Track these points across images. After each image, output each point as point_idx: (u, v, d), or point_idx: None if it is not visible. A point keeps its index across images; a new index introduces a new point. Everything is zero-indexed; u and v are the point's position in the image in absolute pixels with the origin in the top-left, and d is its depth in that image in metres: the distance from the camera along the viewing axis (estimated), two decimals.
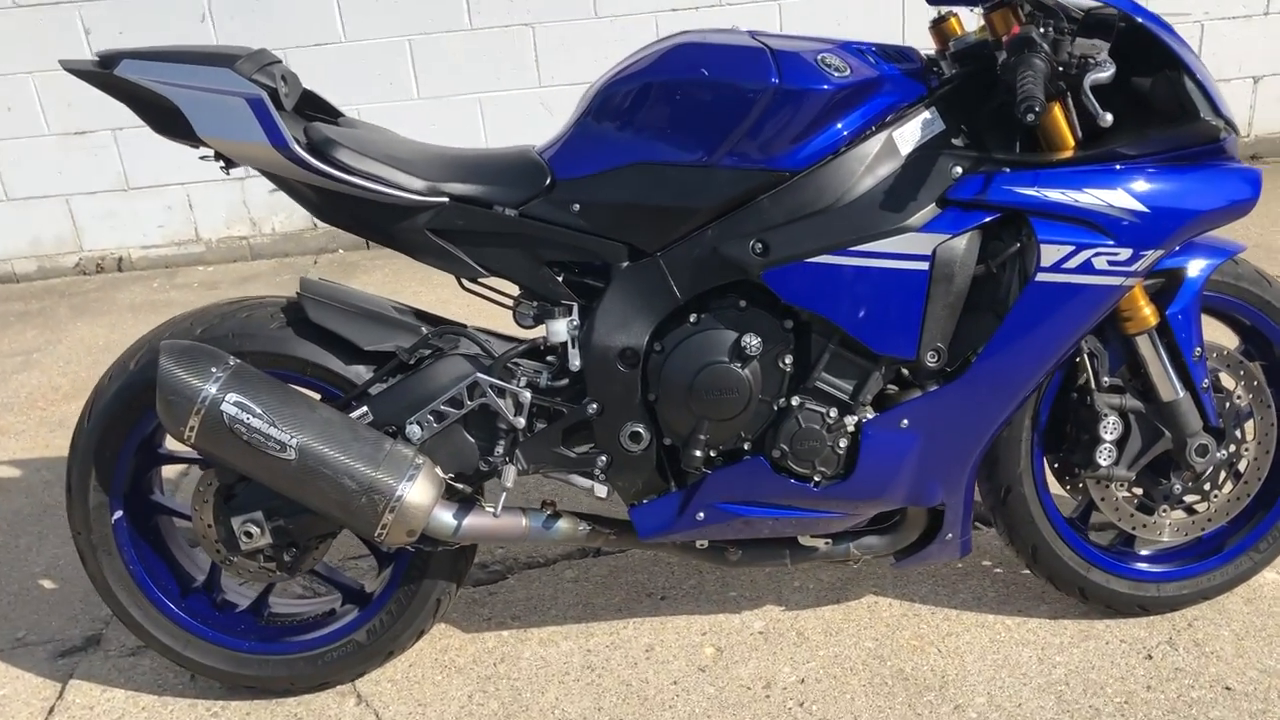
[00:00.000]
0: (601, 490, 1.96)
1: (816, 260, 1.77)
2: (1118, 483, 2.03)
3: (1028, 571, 2.27)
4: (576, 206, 1.85)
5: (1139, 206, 1.76)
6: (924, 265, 1.77)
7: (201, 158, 1.95)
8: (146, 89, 1.80)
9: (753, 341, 1.83)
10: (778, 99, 1.76)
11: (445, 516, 1.90)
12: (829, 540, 2.01)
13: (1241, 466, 2.08)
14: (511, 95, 4.36)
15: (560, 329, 1.88)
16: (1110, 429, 1.96)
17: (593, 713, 2.03)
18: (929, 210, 1.78)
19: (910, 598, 2.26)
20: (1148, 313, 1.92)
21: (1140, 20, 1.77)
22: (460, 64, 4.31)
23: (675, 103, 1.81)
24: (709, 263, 1.83)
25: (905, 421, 1.86)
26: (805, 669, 2.09)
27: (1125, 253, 1.77)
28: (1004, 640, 2.13)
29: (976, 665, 2.07)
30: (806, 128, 1.77)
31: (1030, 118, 1.61)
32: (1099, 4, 1.80)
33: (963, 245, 1.77)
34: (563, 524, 1.99)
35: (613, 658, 2.16)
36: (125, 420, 1.98)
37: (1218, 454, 2.00)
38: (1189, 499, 2.07)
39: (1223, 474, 2.06)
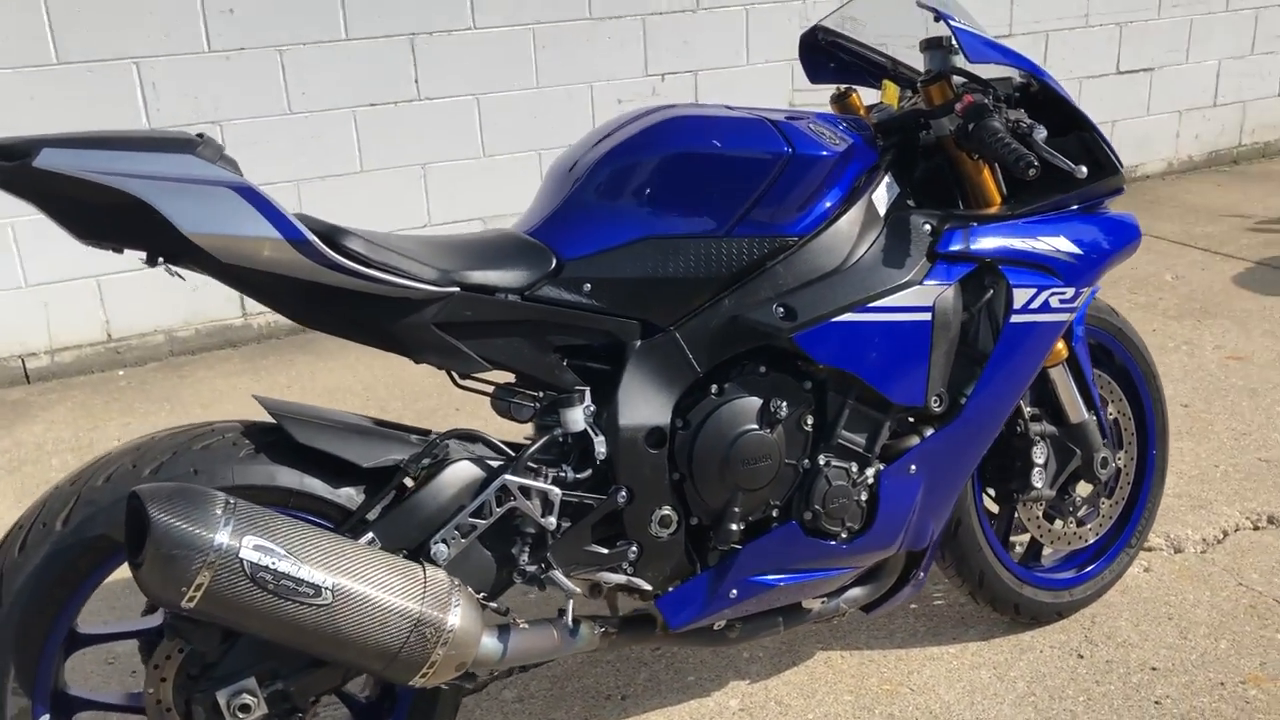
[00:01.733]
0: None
1: (841, 319, 1.82)
2: (1042, 502, 2.24)
3: (941, 601, 2.43)
4: (588, 286, 1.76)
5: (1077, 250, 2.00)
6: (928, 316, 1.88)
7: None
8: (92, 183, 1.48)
9: (780, 405, 1.84)
10: (790, 168, 1.80)
11: (490, 642, 1.70)
12: (824, 599, 2.04)
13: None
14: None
15: (576, 417, 1.76)
16: (1041, 454, 2.17)
17: None
18: (924, 265, 1.89)
19: (854, 647, 2.33)
20: (1060, 346, 2.17)
21: (1048, 84, 2.03)
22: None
23: (685, 175, 1.79)
24: (728, 332, 1.81)
25: (913, 467, 1.94)
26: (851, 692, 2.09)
27: (1070, 291, 2.00)
28: (958, 668, 2.25)
29: (950, 695, 2.17)
30: (812, 194, 1.83)
31: (1032, 173, 1.79)
32: (1009, 72, 2.04)
33: (953, 295, 1.91)
34: (584, 629, 1.85)
35: None
36: (55, 599, 1.57)
37: (1115, 463, 2.28)
38: (1090, 507, 2.33)
39: (1115, 481, 2.35)
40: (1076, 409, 2.21)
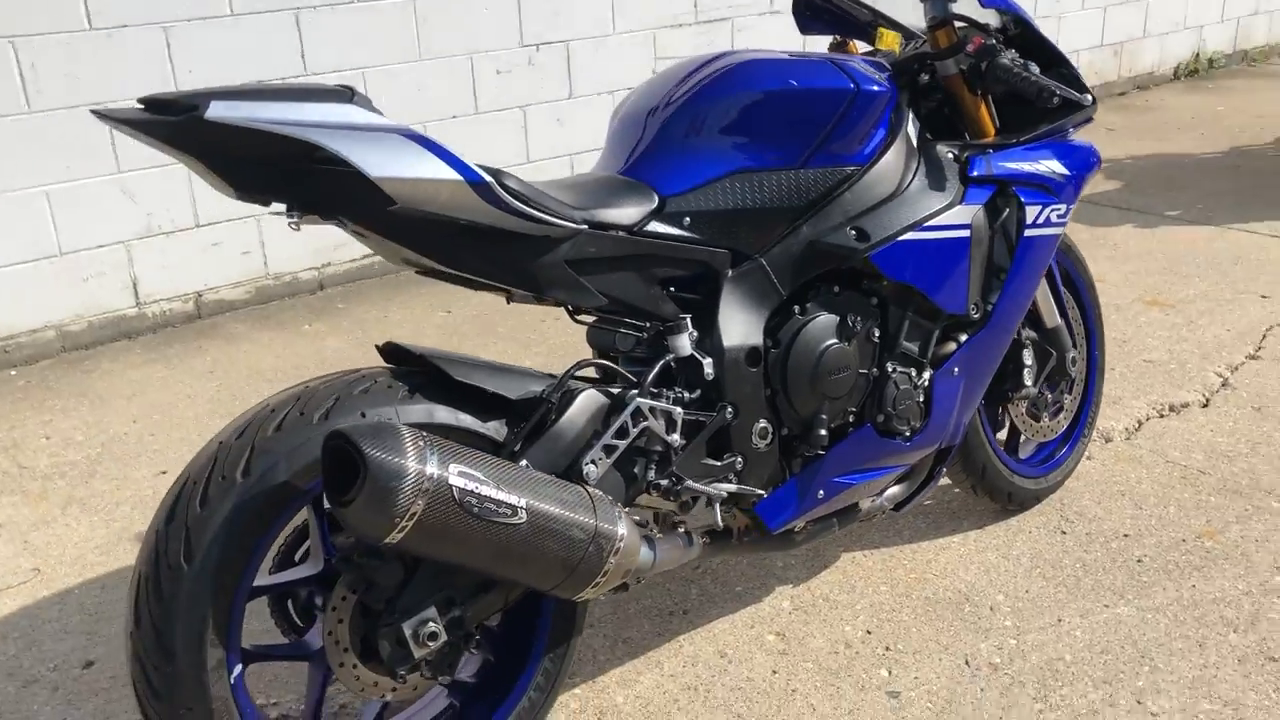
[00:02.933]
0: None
1: (905, 238, 2.04)
2: (1028, 400, 2.54)
3: (930, 502, 2.71)
4: (687, 219, 1.90)
5: (1067, 171, 2.29)
6: (967, 233, 2.12)
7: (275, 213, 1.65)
8: (267, 133, 1.50)
9: (854, 320, 2.04)
10: (855, 102, 1.99)
11: (646, 551, 1.83)
12: (872, 499, 2.26)
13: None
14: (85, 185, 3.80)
15: (684, 343, 1.90)
16: (1029, 356, 2.47)
17: (723, 719, 2.05)
18: (959, 188, 2.13)
19: (871, 547, 2.57)
20: None
21: (1029, 23, 2.30)
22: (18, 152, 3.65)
23: (767, 113, 1.95)
24: (808, 256, 1.99)
25: (956, 369, 2.18)
26: (859, 622, 2.31)
27: (1063, 207, 2.29)
28: (968, 553, 2.53)
29: (970, 576, 2.45)
30: (870, 126, 2.03)
31: (1055, 102, 2.05)
32: (990, 16, 2.30)
33: (983, 213, 2.16)
34: (695, 539, 2.00)
35: (700, 674, 2.18)
36: (244, 548, 1.59)
37: (1081, 361, 2.61)
38: (1057, 402, 2.65)
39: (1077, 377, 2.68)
40: (1052, 315, 2.52)
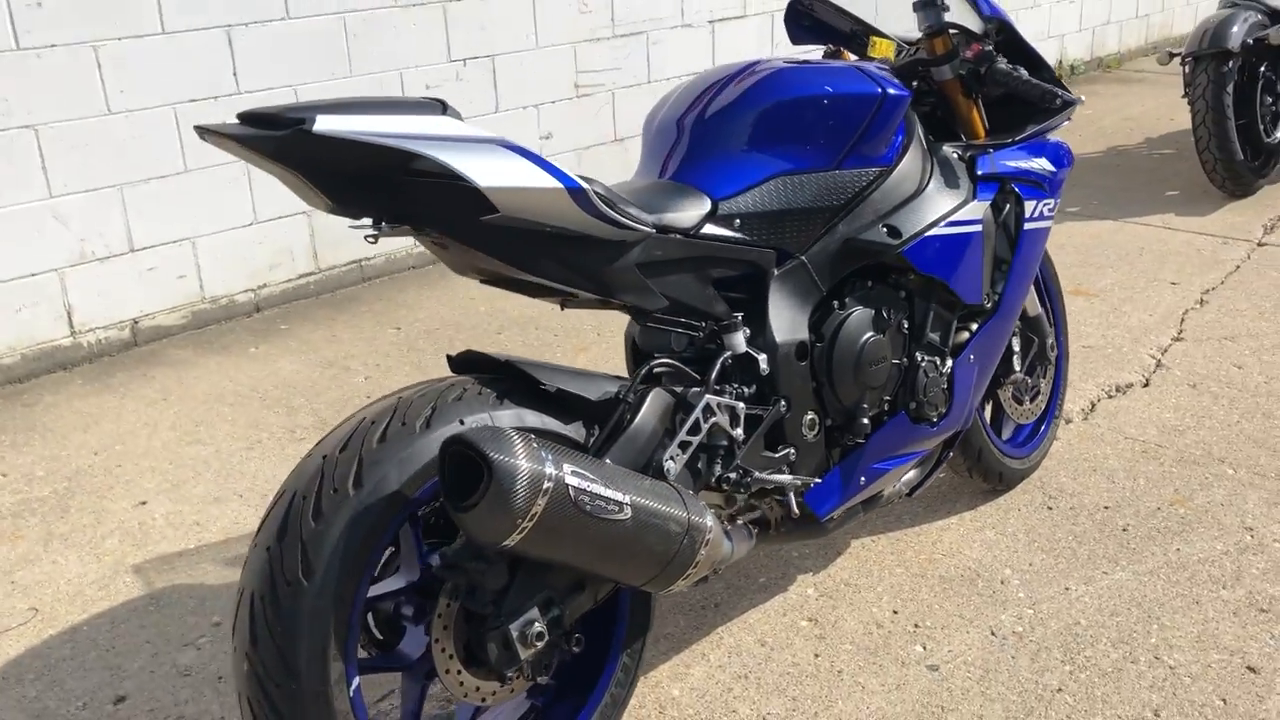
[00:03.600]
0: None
1: (931, 234, 2.15)
2: (1014, 385, 2.69)
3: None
4: (737, 221, 1.98)
5: (1053, 168, 2.45)
6: (979, 228, 2.25)
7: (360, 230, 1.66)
8: (373, 145, 1.52)
9: (888, 313, 2.14)
10: (883, 106, 2.10)
11: (726, 543, 1.89)
12: (894, 485, 2.37)
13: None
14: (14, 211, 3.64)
15: (739, 341, 1.98)
16: (1018, 343, 2.62)
17: (789, 703, 2.12)
18: (970, 185, 2.26)
19: (877, 533, 2.68)
20: None
21: (1014, 29, 2.45)
22: None
23: (805, 118, 2.04)
24: (844, 253, 2.09)
25: (971, 357, 2.31)
26: (884, 603, 2.41)
27: (1052, 202, 2.45)
28: (967, 532, 2.67)
29: (975, 553, 2.58)
30: (895, 128, 2.14)
31: (1058, 103, 2.20)
32: (975, 23, 2.44)
33: (990, 209, 2.30)
34: (753, 531, 2.07)
35: (746, 663, 2.25)
36: (360, 560, 1.59)
37: (1058, 347, 2.78)
38: (1035, 387, 2.82)
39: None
40: (1034, 304, 2.68)
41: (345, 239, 4.49)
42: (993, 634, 2.30)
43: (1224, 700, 2.10)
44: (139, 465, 3.13)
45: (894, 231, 2.12)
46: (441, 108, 1.63)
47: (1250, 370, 3.46)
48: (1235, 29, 4.91)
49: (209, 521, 2.83)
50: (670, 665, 2.25)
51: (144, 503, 2.94)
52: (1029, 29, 7.78)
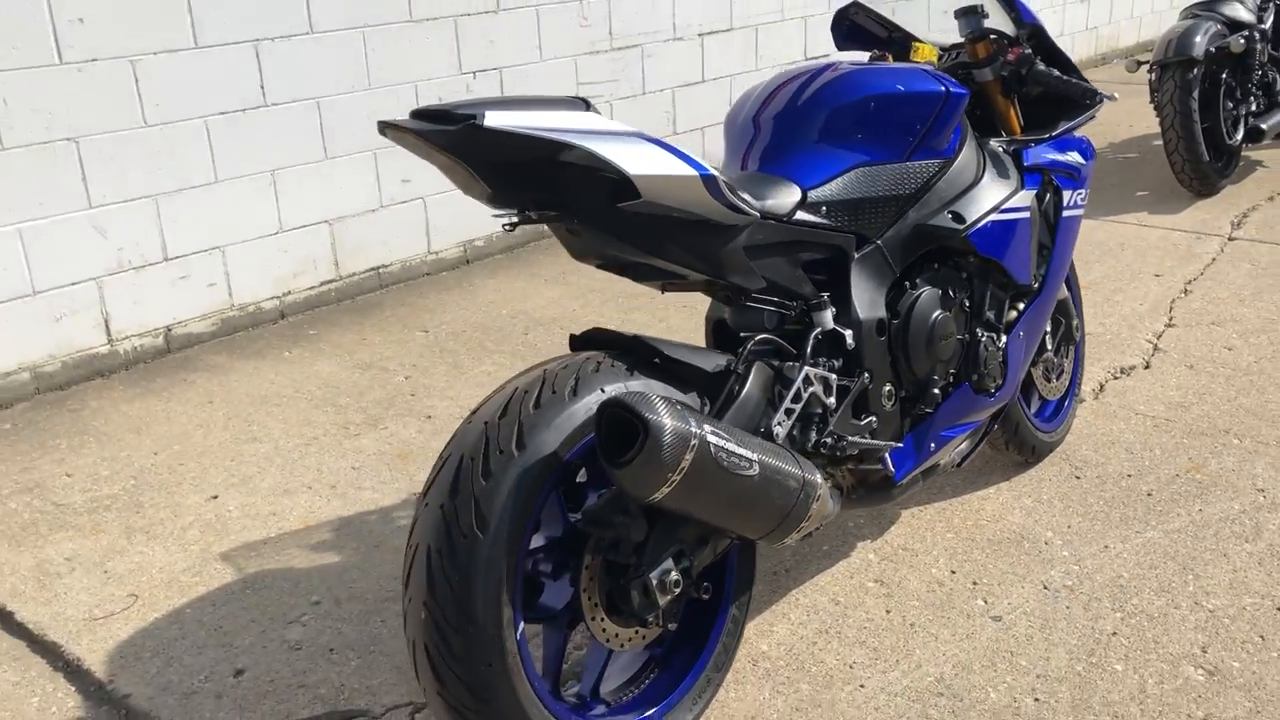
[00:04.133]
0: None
1: (991, 219, 2.36)
2: (1044, 363, 2.91)
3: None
4: (824, 209, 2.17)
5: (1083, 161, 2.67)
6: (1028, 214, 2.46)
7: (500, 219, 1.83)
8: (536, 138, 1.69)
9: (953, 292, 2.34)
10: (948, 103, 2.30)
11: (830, 500, 2.06)
12: (949, 454, 2.56)
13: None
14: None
15: (828, 318, 2.17)
16: (1049, 324, 2.84)
17: (870, 653, 2.31)
18: (1018, 176, 2.47)
19: (920, 504, 2.87)
20: None
21: (1046, 33, 2.67)
22: None
23: (878, 114, 2.23)
24: (915, 238, 2.29)
25: (1021, 333, 2.52)
26: (942, 564, 2.61)
27: (1084, 191, 2.67)
28: (1006, 501, 2.87)
29: (1017, 518, 2.79)
30: (955, 123, 2.35)
31: (1099, 100, 2.42)
32: (1022, 25, 2.66)
33: (1035, 198, 2.51)
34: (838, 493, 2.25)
35: (825, 620, 2.42)
36: (526, 513, 1.74)
37: (1082, 328, 3.00)
38: (1061, 364, 3.04)
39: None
40: (1063, 288, 2.90)
41: (364, 246, 4.62)
42: (1045, 588, 2.51)
43: (1262, 637, 2.32)
44: (201, 463, 3.24)
45: (958, 217, 2.32)
46: (585, 105, 1.79)
47: (1240, 351, 3.72)
48: (1198, 38, 5.22)
49: (284, 512, 2.95)
50: (755, 624, 2.42)
51: (215, 497, 3.05)
52: None
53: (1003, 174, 2.45)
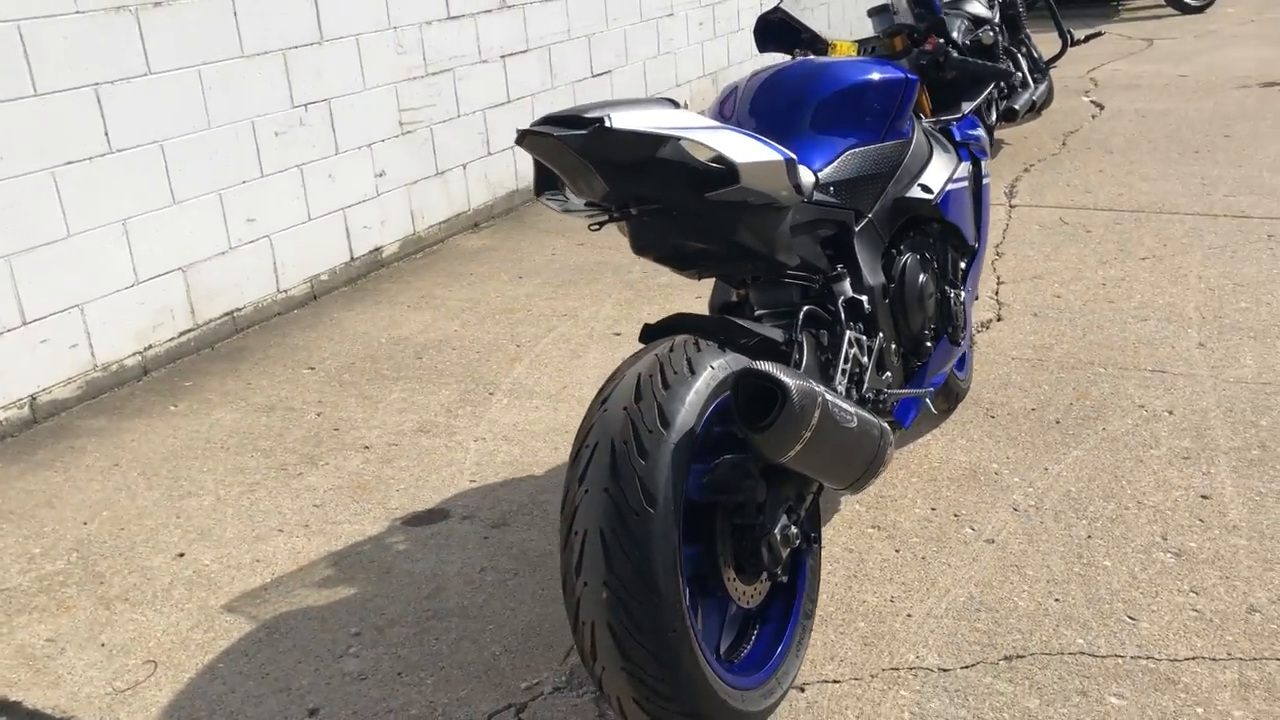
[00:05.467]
0: None
1: (950, 189, 2.66)
2: None
3: None
4: (831, 189, 2.40)
5: (984, 136, 3.04)
6: (967, 183, 2.79)
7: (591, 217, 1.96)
8: (656, 136, 1.83)
9: (928, 255, 2.63)
10: (908, 88, 2.58)
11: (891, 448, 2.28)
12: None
13: None
14: None
15: (848, 288, 2.40)
16: None
17: (901, 587, 2.55)
18: (954, 150, 2.80)
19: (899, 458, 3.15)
20: None
21: (945, 23, 3.02)
22: None
23: (859, 101, 2.48)
24: (896, 209, 2.56)
25: (970, 288, 2.84)
26: (921, 504, 2.89)
27: (988, 162, 3.04)
28: (948, 443, 3.20)
29: (965, 456, 3.12)
30: (911, 106, 2.63)
31: (1016, 79, 2.78)
32: (931, 18, 2.99)
33: (969, 169, 2.84)
34: None
35: (844, 563, 2.65)
36: (682, 484, 1.86)
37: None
38: None
39: None
40: None
41: (218, 291, 4.45)
42: (1015, 510, 2.84)
43: (1201, 520, 2.74)
44: (143, 525, 3.07)
45: (926, 189, 2.61)
46: (677, 104, 1.94)
47: (1067, 298, 4.27)
48: (954, 34, 5.86)
49: (268, 557, 2.87)
50: None
51: (182, 554, 2.91)
52: (737, 51, 8.66)
53: (945, 150, 2.77)
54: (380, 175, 5.22)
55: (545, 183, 2.10)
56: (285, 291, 4.78)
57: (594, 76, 6.79)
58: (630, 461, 1.81)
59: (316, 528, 3.00)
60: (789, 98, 2.47)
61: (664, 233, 2.08)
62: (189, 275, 4.33)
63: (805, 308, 2.28)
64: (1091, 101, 7.76)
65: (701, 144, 1.85)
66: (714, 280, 2.66)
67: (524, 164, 6.20)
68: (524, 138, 1.80)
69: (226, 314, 4.52)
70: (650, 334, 2.14)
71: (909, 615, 2.46)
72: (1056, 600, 2.48)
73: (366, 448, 3.44)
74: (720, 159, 1.89)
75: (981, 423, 3.31)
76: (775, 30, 3.04)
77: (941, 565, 2.63)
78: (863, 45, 3.00)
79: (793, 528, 2.03)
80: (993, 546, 2.69)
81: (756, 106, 2.49)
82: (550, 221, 5.88)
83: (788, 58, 2.99)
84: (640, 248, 2.15)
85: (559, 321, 4.38)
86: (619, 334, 4.21)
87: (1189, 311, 4.04)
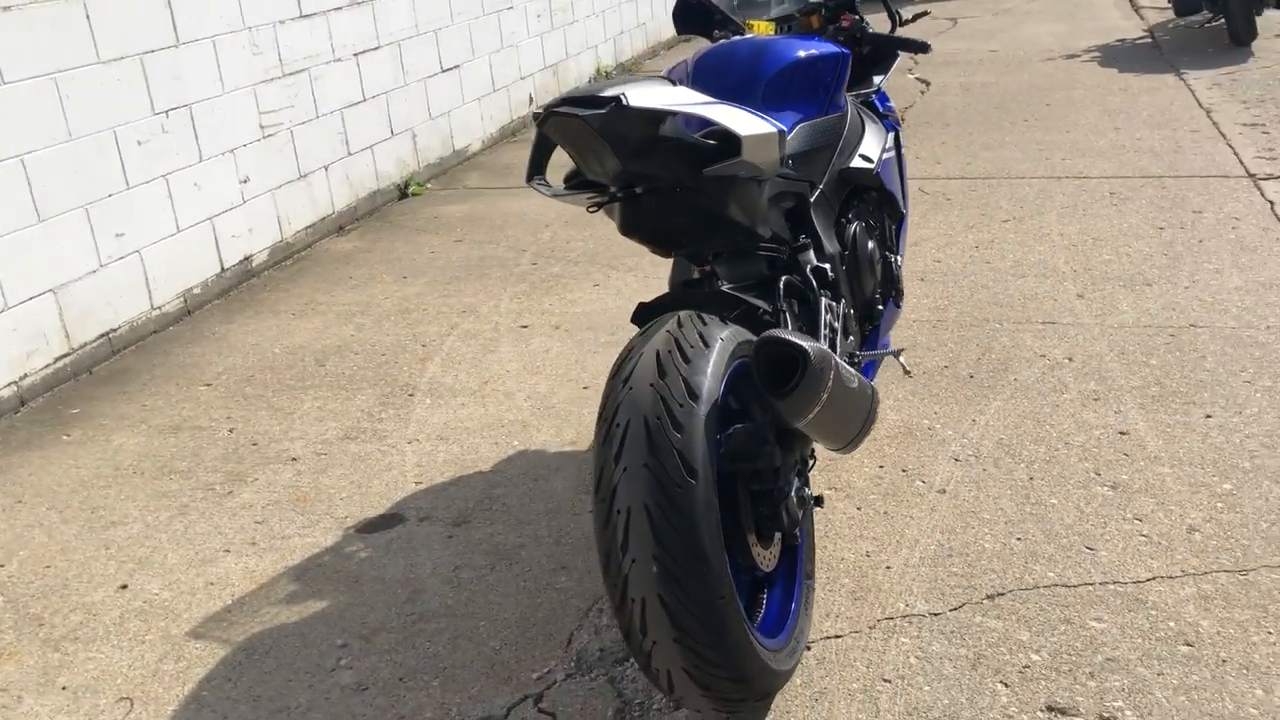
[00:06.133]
0: None
1: (884, 158, 2.77)
2: None
3: None
4: (790, 161, 2.47)
5: (894, 105, 3.17)
6: (894, 153, 2.91)
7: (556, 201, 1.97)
8: (670, 112, 1.86)
9: (872, 221, 2.73)
10: (843, 62, 2.67)
11: None
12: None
13: None
14: None
15: (812, 256, 2.47)
16: None
17: (873, 543, 2.66)
18: (881, 122, 2.91)
19: None
20: None
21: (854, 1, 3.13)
22: None
23: (805, 76, 2.56)
24: (842, 179, 2.65)
25: (902, 252, 2.96)
26: (869, 463, 3.01)
27: (896, 134, 3.17)
28: (890, 397, 3.32)
29: (897, 416, 3.25)
30: (844, 80, 2.73)
31: (929, 50, 2.91)
32: None
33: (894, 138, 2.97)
34: None
35: (817, 530, 2.73)
36: (714, 448, 1.89)
37: None
38: None
39: None
40: None
41: (91, 311, 4.20)
42: (957, 460, 2.99)
43: (1125, 454, 2.95)
44: (71, 560, 2.89)
45: (867, 159, 2.72)
46: (674, 82, 1.96)
47: (947, 262, 4.49)
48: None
49: (222, 579, 2.75)
50: None
51: (125, 586, 2.76)
52: (575, 43, 8.69)
53: (873, 121, 2.88)
54: (245, 181, 5.02)
55: (535, 168, 2.09)
56: (159, 308, 4.55)
57: (444, 71, 6.70)
58: (666, 435, 1.83)
59: (265, 544, 2.88)
60: (741, 75, 2.52)
61: (659, 212, 2.10)
62: (60, 296, 4.07)
63: (784, 278, 2.34)
64: (917, 79, 8.14)
65: (709, 118, 1.89)
66: (673, 259, 2.69)
67: (383, 163, 6.07)
68: (546, 120, 1.79)
69: (102, 335, 4.27)
70: (646, 312, 2.16)
71: (888, 567, 2.56)
72: (1019, 540, 2.63)
73: (294, 459, 3.32)
74: (725, 133, 1.92)
75: (902, 383, 3.46)
76: (694, 12, 3.09)
77: (904, 518, 2.74)
78: (780, 25, 3.09)
79: (806, 489, 2.09)
80: (945, 496, 2.82)
81: (710, 84, 2.53)
82: (419, 220, 5.78)
83: (708, 41, 3.06)
84: (629, 228, 2.17)
85: (460, 319, 4.33)
86: (526, 326, 4.19)
87: (1060, 266, 4.31)
